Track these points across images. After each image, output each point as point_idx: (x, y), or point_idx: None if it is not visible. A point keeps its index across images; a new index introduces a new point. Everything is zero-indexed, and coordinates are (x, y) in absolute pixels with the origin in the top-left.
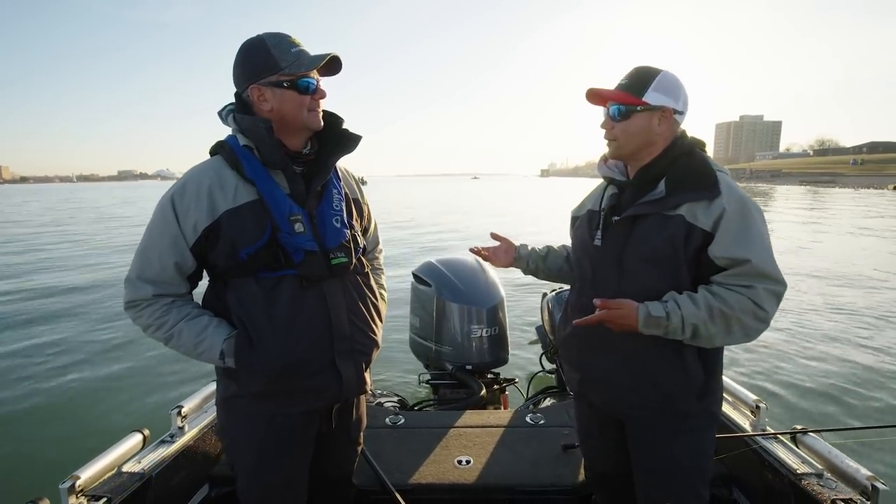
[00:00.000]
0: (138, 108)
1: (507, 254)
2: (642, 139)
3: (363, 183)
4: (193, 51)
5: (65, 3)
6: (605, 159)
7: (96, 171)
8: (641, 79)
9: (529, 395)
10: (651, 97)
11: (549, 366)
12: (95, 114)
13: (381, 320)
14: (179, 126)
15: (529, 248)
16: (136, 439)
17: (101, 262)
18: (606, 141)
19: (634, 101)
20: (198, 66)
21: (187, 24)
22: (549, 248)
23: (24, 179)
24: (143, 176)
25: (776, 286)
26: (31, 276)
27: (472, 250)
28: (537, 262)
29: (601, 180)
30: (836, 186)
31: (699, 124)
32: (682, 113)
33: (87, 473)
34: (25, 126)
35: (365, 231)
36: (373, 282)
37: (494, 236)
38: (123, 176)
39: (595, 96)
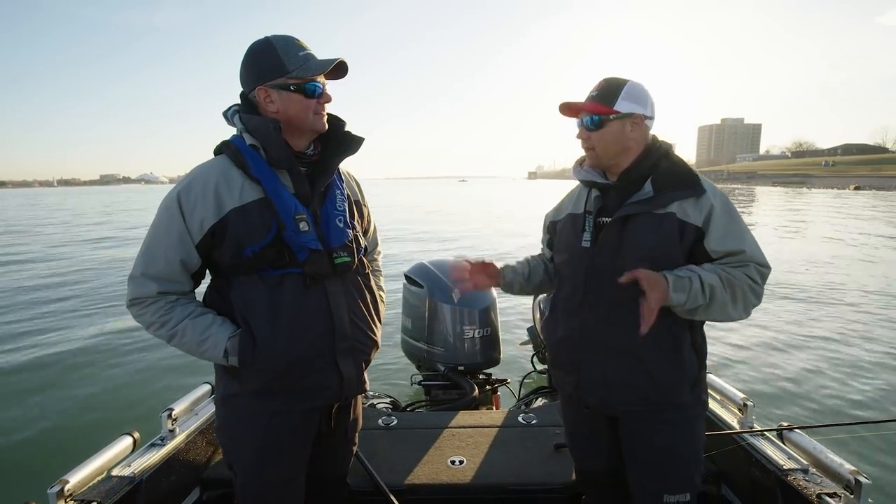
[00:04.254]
0: (125, 113)
1: (491, 278)
2: (618, 146)
3: None
4: (182, 55)
5: (51, 12)
6: (580, 163)
7: (78, 175)
8: (611, 89)
9: (521, 396)
10: (621, 105)
11: (540, 366)
12: (82, 119)
13: (380, 321)
14: (166, 130)
15: (511, 269)
16: (126, 443)
17: (85, 262)
18: (584, 149)
19: (607, 110)
20: (186, 70)
21: (176, 29)
22: (529, 268)
23: (2, 184)
24: (127, 180)
25: (764, 269)
26: (11, 279)
27: (467, 261)
28: (522, 285)
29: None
30: (804, 187)
31: (683, 127)
32: (651, 118)
33: (76, 478)
34: (9, 134)
35: (365, 232)
36: (373, 283)
37: (473, 265)
38: (106, 180)
39: (568, 109)
